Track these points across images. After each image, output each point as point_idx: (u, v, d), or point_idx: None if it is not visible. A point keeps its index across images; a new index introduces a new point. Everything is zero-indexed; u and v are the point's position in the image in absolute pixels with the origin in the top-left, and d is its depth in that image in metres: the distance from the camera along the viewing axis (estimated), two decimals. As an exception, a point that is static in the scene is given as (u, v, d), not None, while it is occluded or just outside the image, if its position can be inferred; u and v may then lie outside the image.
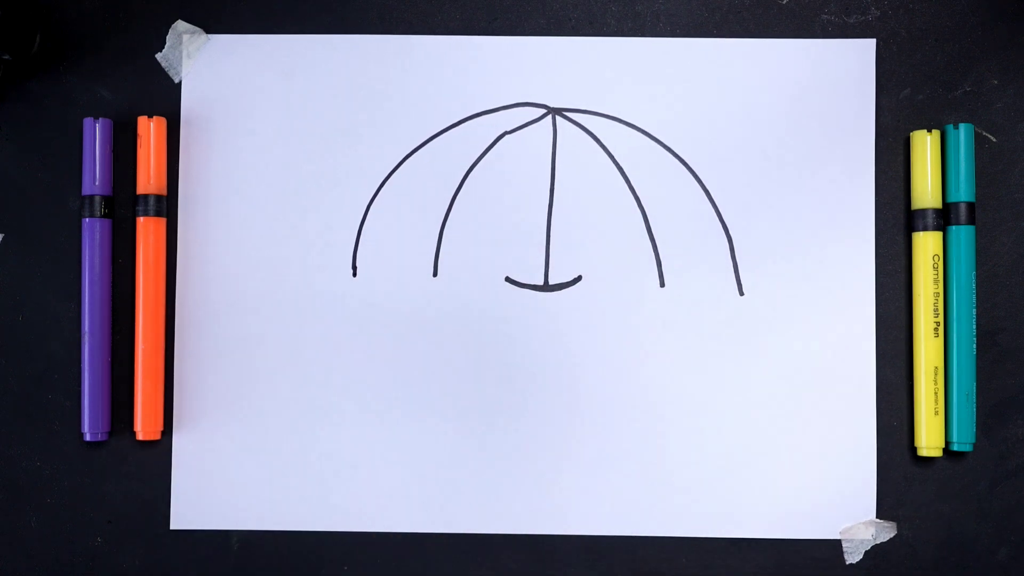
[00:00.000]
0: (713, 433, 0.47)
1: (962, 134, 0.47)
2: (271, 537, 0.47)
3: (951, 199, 0.47)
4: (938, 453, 0.47)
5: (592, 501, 0.47)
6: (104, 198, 0.47)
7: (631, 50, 0.48)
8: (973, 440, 0.46)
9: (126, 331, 0.48)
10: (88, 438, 0.47)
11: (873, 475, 0.47)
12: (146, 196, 0.47)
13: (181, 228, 0.48)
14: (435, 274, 0.48)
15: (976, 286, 0.47)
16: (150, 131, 0.47)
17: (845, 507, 0.47)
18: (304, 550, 0.47)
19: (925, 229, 0.47)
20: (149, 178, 0.47)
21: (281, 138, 0.48)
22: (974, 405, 0.46)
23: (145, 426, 0.47)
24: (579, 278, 0.48)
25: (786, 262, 0.48)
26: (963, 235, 0.47)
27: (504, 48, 0.48)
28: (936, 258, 0.47)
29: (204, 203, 0.48)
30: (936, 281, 0.47)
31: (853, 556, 0.47)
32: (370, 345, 0.48)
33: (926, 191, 0.47)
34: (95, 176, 0.47)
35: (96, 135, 0.47)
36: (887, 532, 0.47)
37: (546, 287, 0.48)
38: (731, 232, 0.48)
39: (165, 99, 0.48)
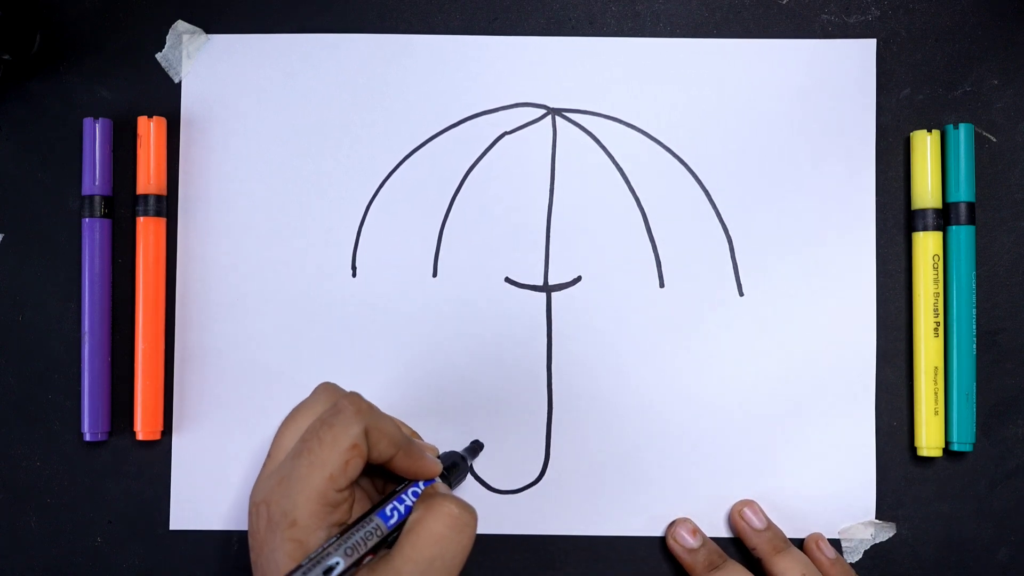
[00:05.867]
0: (713, 433, 0.47)
1: (962, 134, 0.47)
2: (271, 537, 0.47)
3: (951, 199, 0.47)
4: (938, 453, 0.47)
5: (592, 501, 0.47)
6: (104, 198, 0.47)
7: (631, 50, 0.48)
8: (973, 440, 0.46)
9: (126, 331, 0.48)
10: (88, 438, 0.47)
11: (873, 475, 0.47)
12: (146, 196, 0.47)
13: (181, 228, 0.48)
14: (435, 274, 0.48)
15: (976, 286, 0.47)
16: (150, 131, 0.47)
17: (845, 507, 0.47)
18: (304, 550, 0.47)
19: (925, 229, 0.47)
20: (149, 178, 0.47)
21: (281, 138, 0.48)
22: (974, 405, 0.46)
23: (145, 426, 0.47)
24: (579, 278, 0.48)
25: (786, 262, 0.48)
26: (963, 235, 0.47)
27: (504, 48, 0.48)
28: (936, 258, 0.47)
29: (204, 203, 0.48)
30: (936, 281, 0.47)
31: (853, 556, 0.47)
32: (370, 345, 0.48)
33: (926, 191, 0.47)
34: (95, 176, 0.47)
35: (96, 135, 0.47)
36: (887, 532, 0.47)
37: (546, 287, 0.48)
38: (731, 232, 0.48)
39: (165, 99, 0.48)
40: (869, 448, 0.47)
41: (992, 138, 0.48)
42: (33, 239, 0.48)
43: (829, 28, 0.48)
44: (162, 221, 0.47)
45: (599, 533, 0.47)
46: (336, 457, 0.36)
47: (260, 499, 0.37)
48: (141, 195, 0.47)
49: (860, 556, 0.47)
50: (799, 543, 0.47)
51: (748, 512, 0.46)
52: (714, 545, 0.46)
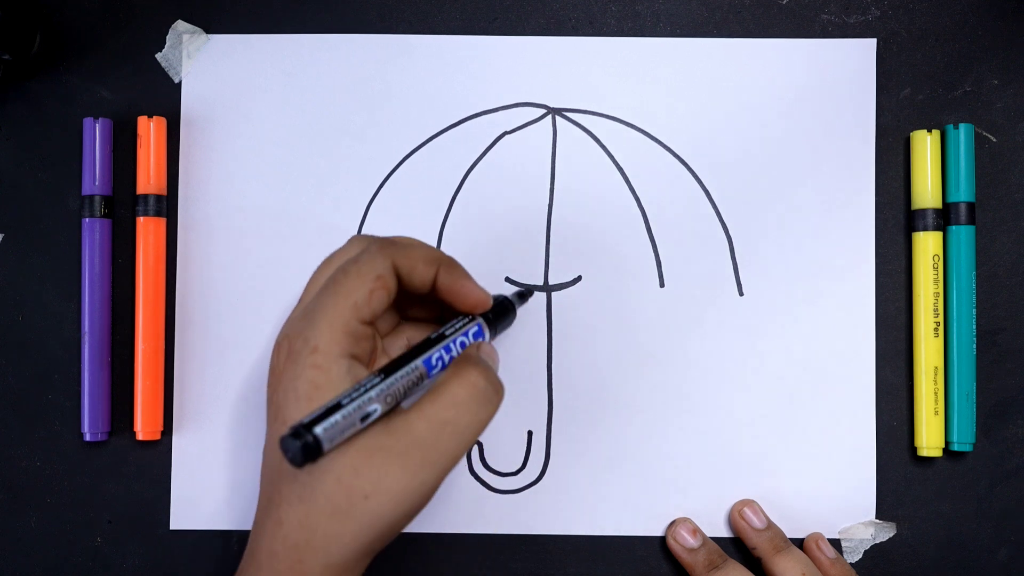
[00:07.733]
0: (713, 433, 0.47)
1: (962, 134, 0.47)
2: (271, 537, 0.47)
3: (951, 199, 0.47)
4: (938, 453, 0.47)
5: (592, 501, 0.47)
6: (104, 198, 0.47)
7: (631, 50, 0.48)
8: (973, 440, 0.46)
9: (126, 331, 0.48)
10: (88, 438, 0.47)
11: (873, 475, 0.47)
12: (146, 196, 0.47)
13: (181, 228, 0.48)
14: (435, 274, 0.48)
15: (976, 286, 0.47)
16: (150, 131, 0.47)
17: (845, 507, 0.47)
18: (304, 550, 0.47)
19: (925, 229, 0.47)
20: (149, 178, 0.47)
21: (281, 138, 0.48)
22: (974, 405, 0.46)
23: (145, 426, 0.47)
24: (579, 278, 0.48)
25: (786, 262, 0.48)
26: (963, 235, 0.47)
27: (504, 48, 0.49)
28: (936, 258, 0.47)
29: (204, 203, 0.48)
30: (936, 281, 0.47)
31: (853, 556, 0.47)
32: (370, 345, 0.48)
33: (926, 191, 0.47)
34: (95, 176, 0.47)
35: (96, 135, 0.47)
36: (887, 532, 0.47)
37: (546, 287, 0.48)
38: (731, 232, 0.48)
39: (165, 99, 0.48)
40: (869, 448, 0.47)
41: (992, 138, 0.48)
42: (33, 239, 0.48)
43: (829, 28, 0.48)
44: (162, 221, 0.47)
45: (599, 533, 0.47)
46: (360, 286, 0.36)
47: (283, 336, 0.37)
48: (141, 195, 0.47)
49: (860, 556, 0.47)
50: (799, 543, 0.47)
51: (748, 512, 0.46)
52: (714, 545, 0.46)
